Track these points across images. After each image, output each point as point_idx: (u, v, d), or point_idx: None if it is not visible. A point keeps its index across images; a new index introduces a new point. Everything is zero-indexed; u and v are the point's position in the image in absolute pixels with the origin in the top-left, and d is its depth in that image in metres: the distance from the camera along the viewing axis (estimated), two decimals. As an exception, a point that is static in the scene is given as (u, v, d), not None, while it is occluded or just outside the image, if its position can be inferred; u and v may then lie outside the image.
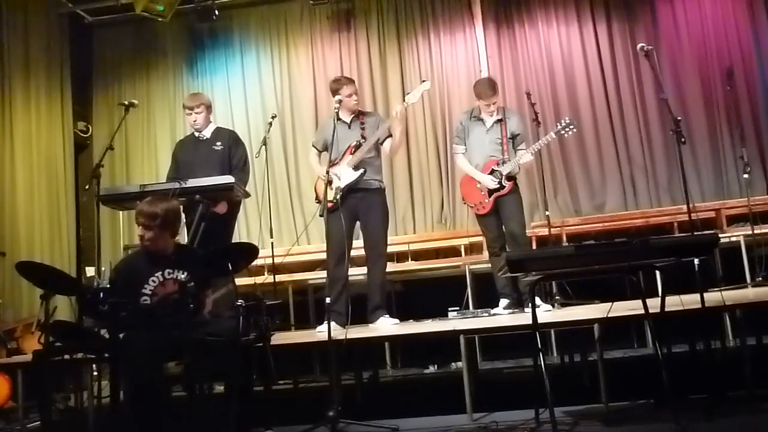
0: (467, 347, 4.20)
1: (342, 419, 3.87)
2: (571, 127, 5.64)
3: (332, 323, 4.21)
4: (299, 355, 5.46)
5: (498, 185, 5.50)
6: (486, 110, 5.62)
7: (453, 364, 5.59)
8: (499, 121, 5.62)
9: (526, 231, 5.88)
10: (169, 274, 3.93)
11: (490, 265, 5.91)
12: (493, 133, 5.62)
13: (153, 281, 3.91)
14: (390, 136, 5.47)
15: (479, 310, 5.60)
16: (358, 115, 5.57)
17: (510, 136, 5.61)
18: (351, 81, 5.65)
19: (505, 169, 5.49)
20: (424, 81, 5.67)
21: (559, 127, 5.65)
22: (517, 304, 5.51)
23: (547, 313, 5.11)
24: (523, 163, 5.55)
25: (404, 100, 5.54)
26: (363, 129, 5.48)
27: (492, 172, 5.51)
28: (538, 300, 5.29)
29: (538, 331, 3.66)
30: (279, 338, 4.58)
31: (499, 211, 5.57)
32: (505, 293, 5.56)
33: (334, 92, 5.45)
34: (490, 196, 5.53)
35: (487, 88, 5.62)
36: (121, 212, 7.16)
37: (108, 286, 3.66)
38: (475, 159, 5.64)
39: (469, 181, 5.67)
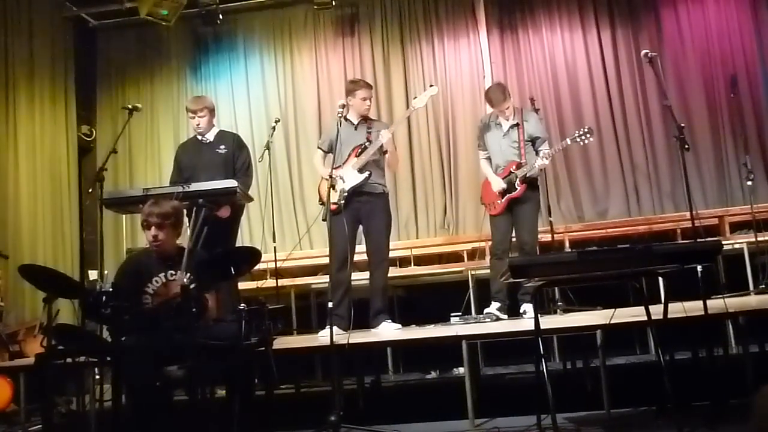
0: (469, 353, 4.19)
1: (344, 424, 3.86)
2: (588, 135, 5.62)
3: (334, 328, 4.21)
4: (301, 359, 5.46)
5: (508, 187, 5.53)
6: (501, 115, 5.67)
7: (455, 369, 5.58)
8: (516, 125, 5.65)
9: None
10: (172, 275, 3.95)
11: (489, 269, 5.95)
12: (510, 137, 5.67)
13: (156, 281, 3.94)
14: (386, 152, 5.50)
15: (481, 316, 5.62)
16: (366, 119, 5.58)
17: (528, 139, 5.66)
18: (369, 86, 5.70)
19: (520, 173, 5.53)
20: (431, 86, 5.67)
21: (577, 134, 5.64)
22: (508, 311, 5.60)
23: (549, 319, 5.11)
24: (538, 166, 5.57)
25: (409, 105, 5.54)
26: (369, 132, 5.48)
27: (509, 175, 5.57)
28: (529, 307, 5.34)
29: (540, 337, 3.65)
30: (281, 343, 4.58)
31: (512, 216, 5.63)
32: (498, 298, 5.63)
33: (350, 92, 5.47)
34: (502, 198, 5.58)
35: (498, 94, 5.68)
36: (124, 216, 7.16)
37: (111, 289, 3.65)
38: (495, 161, 5.73)
39: (489, 183, 5.76)
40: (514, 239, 5.73)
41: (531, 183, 5.61)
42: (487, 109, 6.24)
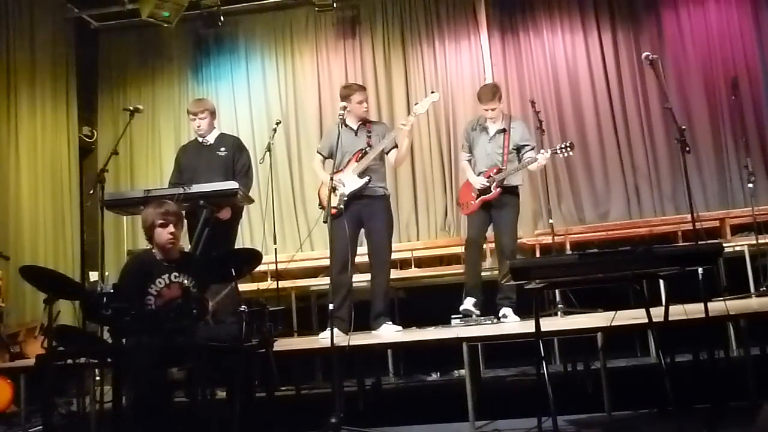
0: (470, 355, 4.19)
1: (344, 426, 3.86)
2: (569, 149, 5.64)
3: (335, 330, 4.20)
4: (302, 361, 5.46)
5: (486, 188, 5.55)
6: (487, 116, 5.66)
7: (455, 371, 5.58)
8: (503, 131, 5.65)
9: (526, 241, 5.93)
10: (176, 277, 3.96)
11: (464, 252, 5.98)
12: (495, 141, 5.68)
13: (160, 282, 3.94)
14: (396, 146, 5.47)
15: (482, 318, 5.60)
16: (365, 122, 5.57)
17: (514, 147, 5.66)
18: (362, 88, 5.68)
19: (498, 177, 5.54)
20: (432, 92, 5.66)
21: (558, 146, 5.67)
22: (482, 306, 5.59)
23: (549, 321, 5.11)
24: (532, 169, 5.63)
25: (410, 112, 5.55)
26: (369, 137, 5.48)
27: (488, 178, 5.59)
28: (509, 311, 5.34)
29: (541, 339, 3.65)
30: (282, 344, 4.58)
31: (491, 220, 5.68)
32: (473, 293, 5.64)
33: (345, 98, 5.44)
34: (477, 198, 5.59)
35: (486, 92, 5.71)
36: (125, 217, 7.16)
37: (111, 290, 3.66)
38: (479, 166, 5.73)
39: (467, 184, 5.79)
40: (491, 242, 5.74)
41: (510, 190, 5.62)
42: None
